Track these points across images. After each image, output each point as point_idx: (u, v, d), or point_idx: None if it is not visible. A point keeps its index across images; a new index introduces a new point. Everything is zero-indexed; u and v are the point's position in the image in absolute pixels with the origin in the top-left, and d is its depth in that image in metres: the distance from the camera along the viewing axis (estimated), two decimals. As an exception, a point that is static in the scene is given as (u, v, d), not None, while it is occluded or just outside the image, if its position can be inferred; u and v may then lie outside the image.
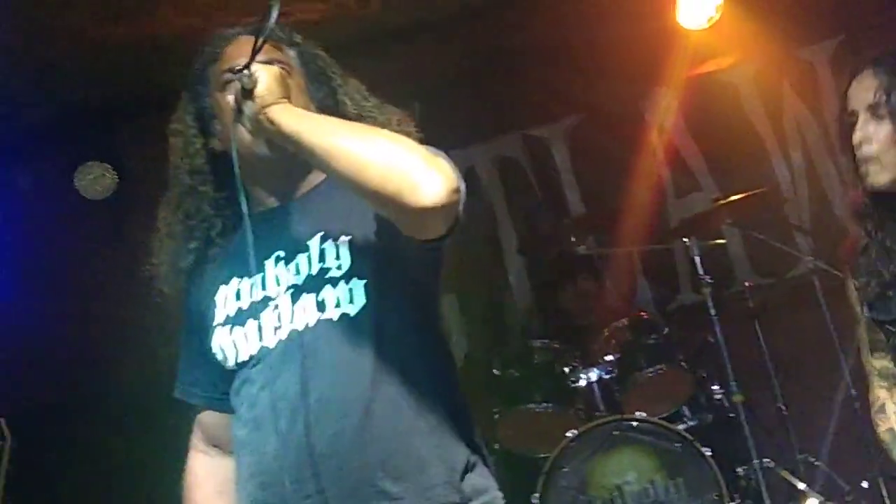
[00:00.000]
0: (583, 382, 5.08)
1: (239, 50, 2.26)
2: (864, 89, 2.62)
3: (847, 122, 2.66)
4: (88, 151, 5.98)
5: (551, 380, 5.12)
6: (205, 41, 2.44)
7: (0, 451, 2.89)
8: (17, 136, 5.81)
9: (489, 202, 6.30)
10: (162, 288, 2.47)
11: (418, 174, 2.00)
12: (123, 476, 5.53)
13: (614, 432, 4.73)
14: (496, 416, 5.09)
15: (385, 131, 2.15)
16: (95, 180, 5.92)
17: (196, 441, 2.54)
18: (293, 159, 2.24)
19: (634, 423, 4.72)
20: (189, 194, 2.42)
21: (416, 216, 2.03)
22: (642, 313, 5.34)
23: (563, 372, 5.11)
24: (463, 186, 2.11)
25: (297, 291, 2.23)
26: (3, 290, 5.50)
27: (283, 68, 2.28)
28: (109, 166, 5.92)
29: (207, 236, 2.42)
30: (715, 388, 5.08)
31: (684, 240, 5.12)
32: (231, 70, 2.25)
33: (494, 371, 5.26)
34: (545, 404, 5.04)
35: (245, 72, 2.15)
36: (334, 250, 2.23)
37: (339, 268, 2.21)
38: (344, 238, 2.23)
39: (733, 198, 5.07)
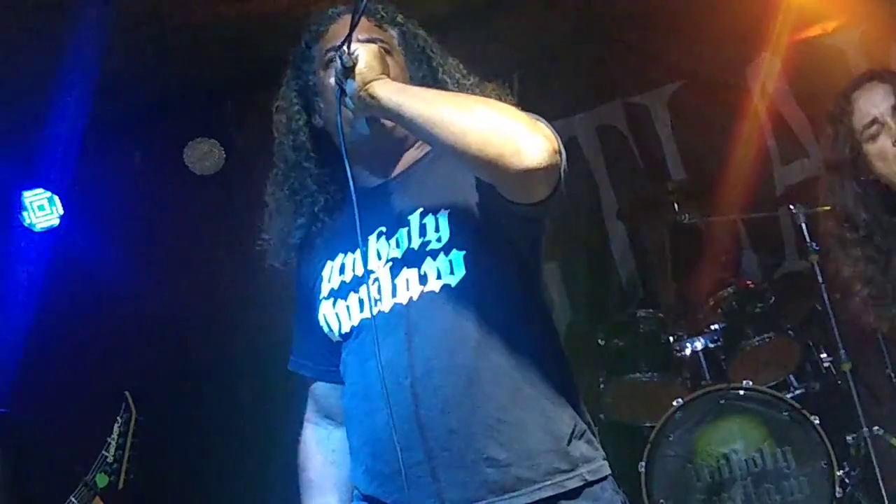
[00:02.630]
0: (688, 351, 5.06)
1: (342, 28, 2.30)
2: (880, 97, 2.66)
3: (866, 134, 2.69)
4: (197, 128, 6.09)
5: (656, 349, 5.12)
6: (310, 19, 2.49)
7: (127, 424, 2.99)
8: (129, 113, 5.94)
9: (590, 172, 6.27)
10: (273, 263, 2.54)
11: (519, 137, 2.04)
12: (236, 447, 5.67)
13: (721, 401, 4.71)
14: (601, 386, 5.10)
15: (484, 99, 2.19)
16: (204, 156, 6.04)
17: (309, 413, 2.61)
18: (392, 137, 2.32)
19: (741, 392, 4.69)
20: (294, 170, 2.49)
21: (519, 178, 2.06)
22: (748, 282, 5.28)
23: (669, 341, 5.10)
24: (563, 150, 2.13)
25: (396, 265, 2.29)
26: (117, 267, 5.65)
27: (383, 47, 2.32)
28: (217, 142, 6.03)
29: (312, 211, 2.48)
30: (823, 355, 5.01)
31: (790, 206, 5.05)
32: (332, 49, 2.29)
33: (599, 341, 5.28)
34: (651, 374, 5.05)
35: (344, 49, 2.20)
36: (434, 223, 2.27)
37: (438, 240, 2.26)
38: (443, 211, 2.27)
39: (841, 163, 4.97)
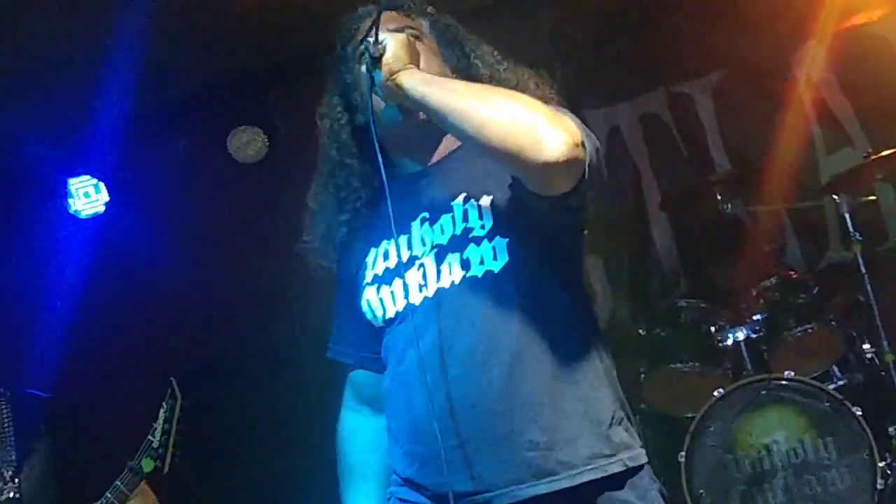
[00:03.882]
0: (730, 342, 5.03)
1: (372, 23, 2.32)
2: None
3: None
4: (240, 116, 6.13)
5: (698, 339, 5.09)
6: (341, 22, 2.51)
7: (172, 410, 3.02)
8: (173, 101, 5.99)
9: (633, 161, 6.25)
10: (318, 261, 2.57)
11: (539, 130, 2.05)
12: (277, 434, 5.72)
13: (762, 392, 4.67)
14: (642, 377, 5.09)
15: (505, 90, 2.20)
16: (247, 144, 6.07)
17: (348, 400, 2.64)
18: (427, 125, 2.32)
19: (783, 383, 4.65)
20: (337, 169, 2.52)
21: (539, 171, 2.08)
22: (791, 272, 5.24)
23: (710, 331, 5.07)
24: (590, 143, 2.16)
25: (441, 251, 2.31)
26: (161, 254, 5.71)
27: (412, 34, 2.35)
28: (260, 130, 6.06)
29: (356, 207, 2.51)
30: (866, 346, 4.97)
31: (834, 196, 5.02)
32: (360, 39, 2.32)
33: (640, 331, 5.26)
34: (692, 363, 5.02)
35: (371, 39, 2.22)
36: (476, 210, 2.29)
37: (482, 227, 2.28)
38: (486, 198, 2.29)
39: (885, 153, 4.93)
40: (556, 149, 2.03)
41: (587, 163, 2.13)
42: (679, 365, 5.03)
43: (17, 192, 5.80)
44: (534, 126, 2.05)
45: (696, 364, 5.01)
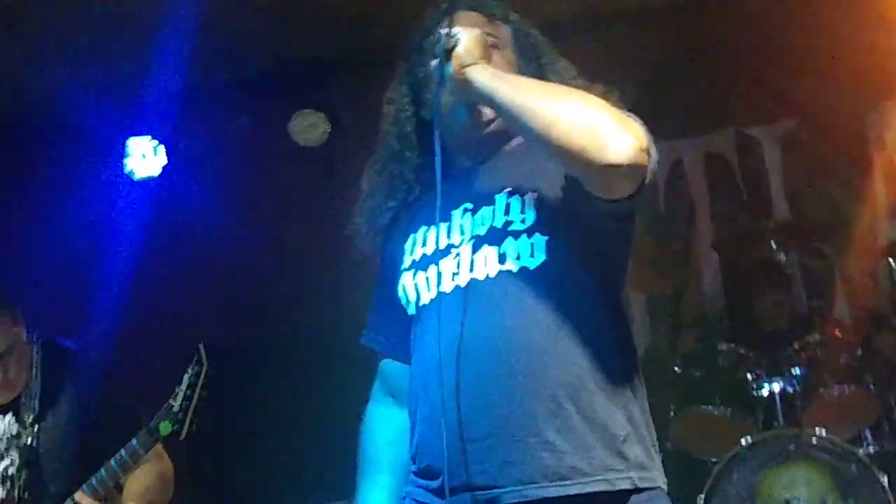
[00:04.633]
0: (765, 392, 4.98)
1: (454, 20, 2.29)
2: None
3: None
4: (306, 99, 6.15)
5: (733, 384, 5.06)
6: (426, 8, 2.50)
7: (197, 376, 3.02)
8: (241, 76, 6.04)
9: (691, 197, 6.20)
10: (361, 245, 2.56)
11: (605, 131, 2.02)
12: (301, 415, 5.73)
13: (791, 446, 4.63)
14: (672, 414, 5.05)
15: (575, 90, 2.17)
16: (309, 128, 6.09)
17: (376, 390, 2.62)
18: (491, 125, 2.32)
19: (814, 440, 4.60)
20: (395, 159, 2.50)
21: (602, 172, 2.05)
22: (836, 330, 5.19)
23: (746, 378, 5.03)
24: (654, 151, 2.12)
25: (479, 242, 2.28)
26: (212, 223, 5.74)
27: (492, 42, 2.33)
28: (324, 116, 6.08)
29: (405, 199, 2.49)
30: (902, 416, 4.92)
31: (890, 260, 4.96)
32: (436, 32, 2.30)
33: (675, 368, 5.24)
34: (723, 408, 4.98)
35: (443, 32, 2.20)
36: (520, 205, 2.27)
37: (522, 222, 2.25)
38: (531, 194, 2.27)
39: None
40: (621, 151, 2.01)
41: (648, 170, 2.11)
42: (710, 408, 4.99)
43: (75, 149, 5.85)
44: (600, 125, 2.03)
45: (728, 409, 4.97)
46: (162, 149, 5.94)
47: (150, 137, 5.93)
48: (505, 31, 2.43)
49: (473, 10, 2.38)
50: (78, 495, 3.06)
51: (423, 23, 2.46)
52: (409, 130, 2.48)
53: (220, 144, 6.01)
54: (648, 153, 2.09)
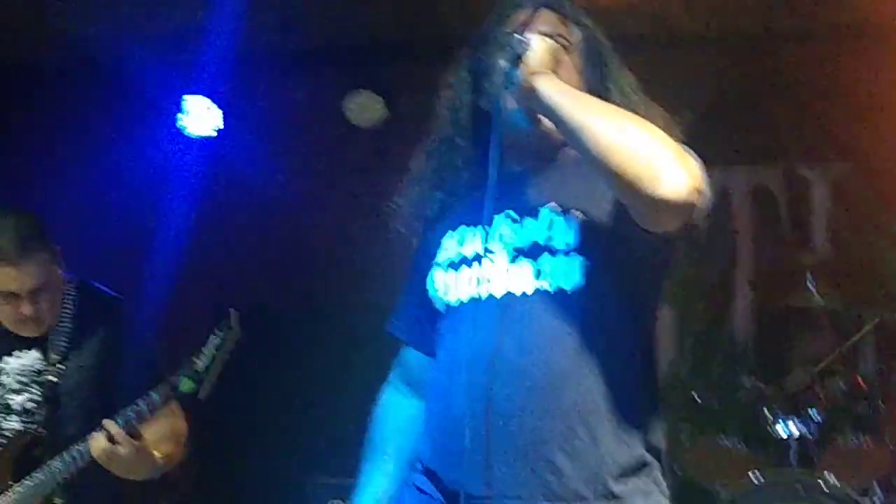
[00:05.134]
0: (781, 431, 4.95)
1: (526, 17, 2.30)
2: None
3: None
4: (363, 80, 6.17)
5: (750, 419, 5.04)
6: (497, 3, 2.50)
7: (224, 340, 3.03)
8: (303, 48, 6.07)
9: (734, 228, 6.17)
10: (398, 228, 2.56)
11: (661, 164, 2.01)
12: (315, 390, 5.76)
13: (800, 488, 4.59)
14: (684, 441, 5.04)
15: (640, 119, 2.14)
16: (364, 109, 6.11)
17: (393, 377, 2.63)
18: (549, 135, 2.29)
19: (823, 486, 4.57)
20: (446, 145, 2.49)
21: (652, 205, 2.03)
22: (860, 380, 5.14)
23: (765, 415, 5.00)
24: (707, 191, 2.11)
25: (517, 253, 2.27)
26: (259, 190, 5.79)
27: (561, 44, 2.32)
28: (381, 98, 6.10)
29: (452, 188, 2.49)
30: (915, 474, 4.87)
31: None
32: (510, 33, 2.30)
33: (695, 395, 5.22)
34: (737, 441, 4.98)
35: (519, 37, 2.19)
36: (563, 223, 2.25)
37: (563, 241, 2.24)
38: (577, 214, 2.25)
39: None
40: (675, 188, 2.00)
41: (699, 209, 2.10)
42: (724, 439, 4.98)
43: (132, 103, 5.90)
44: (659, 159, 2.01)
45: (742, 444, 4.97)
46: (218, 111, 5.99)
47: (206, 97, 5.98)
48: (576, 35, 2.41)
49: (549, 7, 2.36)
50: (107, 421, 3.07)
51: (496, 12, 2.45)
52: (464, 118, 2.47)
53: (274, 113, 6.05)
54: (702, 193, 2.08)
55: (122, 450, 3.06)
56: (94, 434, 3.09)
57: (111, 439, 3.05)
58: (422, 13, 5.55)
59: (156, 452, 3.21)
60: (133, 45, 5.54)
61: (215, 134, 6.00)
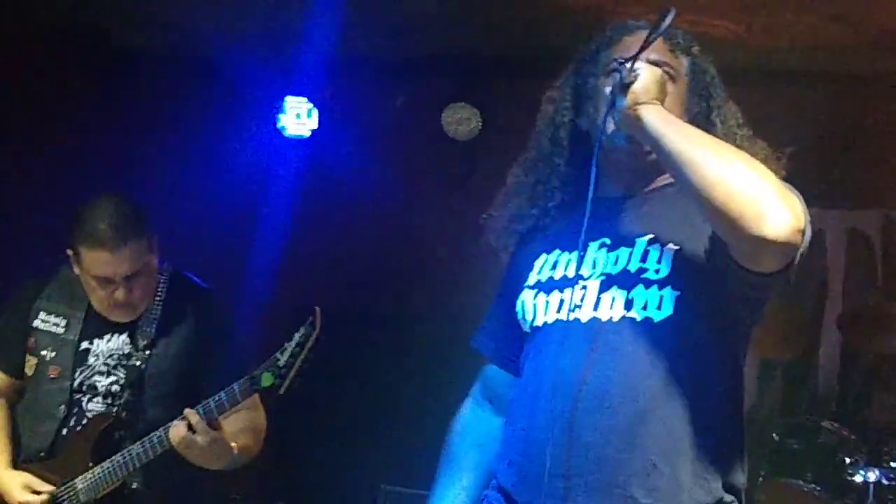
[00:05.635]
0: (859, 479, 4.86)
1: (635, 42, 2.28)
2: None
3: None
4: (462, 92, 6.19)
5: (829, 465, 4.95)
6: (606, 25, 2.49)
7: (307, 337, 3.05)
8: (404, 57, 6.10)
9: (825, 270, 6.07)
10: (490, 241, 2.57)
11: (766, 203, 1.98)
12: (393, 400, 5.77)
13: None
14: (760, 480, 4.97)
15: (745, 154, 2.12)
16: (461, 121, 6.13)
17: (475, 391, 2.63)
18: (647, 159, 2.29)
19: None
20: (543, 160, 2.49)
21: (753, 244, 2.01)
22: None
23: (844, 462, 4.92)
24: (809, 232, 2.07)
25: (608, 281, 2.26)
26: (351, 193, 5.84)
27: (667, 73, 2.30)
28: (478, 112, 6.11)
29: (546, 206, 2.48)
30: None
31: None
32: (618, 60, 2.28)
33: (774, 435, 5.15)
34: (814, 486, 4.88)
35: (628, 65, 2.18)
36: (658, 254, 2.24)
37: (657, 272, 2.22)
38: (672, 246, 2.23)
39: None
40: (778, 227, 1.97)
41: (799, 251, 2.07)
42: (801, 482, 4.90)
43: (231, 102, 6.00)
44: (763, 197, 1.98)
45: (819, 488, 4.87)
46: (315, 112, 6.05)
47: (306, 99, 6.05)
48: (684, 64, 2.40)
49: (650, 35, 2.36)
50: (188, 410, 3.11)
51: (605, 34, 2.45)
52: (563, 136, 2.46)
53: (371, 118, 6.10)
54: (804, 233, 2.05)
55: (200, 439, 3.09)
56: (175, 422, 3.12)
57: (191, 428, 3.09)
58: (524, 29, 5.55)
59: (233, 444, 3.23)
60: (236, 42, 5.63)
61: (309, 135, 6.07)
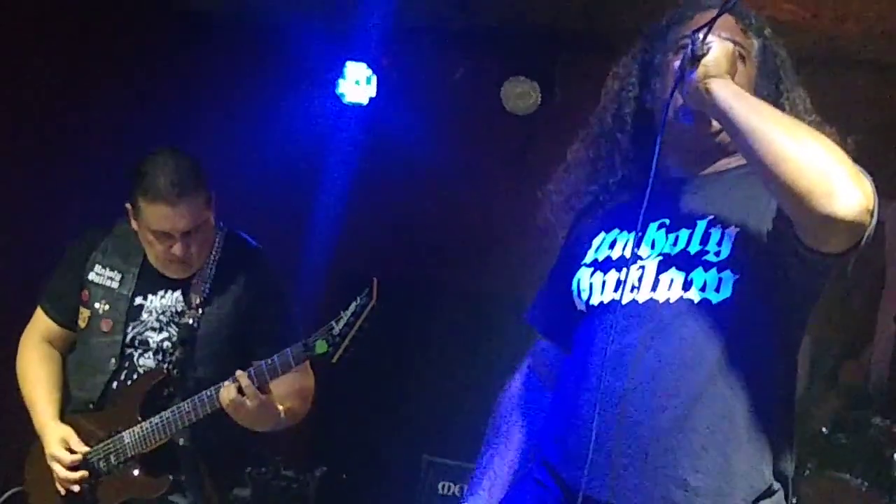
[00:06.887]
0: (905, 474, 4.83)
1: (706, 19, 2.22)
2: None
3: None
4: (522, 66, 6.15)
5: (876, 460, 4.93)
6: (678, 2, 2.45)
7: (363, 308, 3.05)
8: (466, 29, 6.08)
9: (885, 262, 5.99)
10: (547, 216, 2.54)
11: (836, 180, 1.95)
12: (442, 373, 5.79)
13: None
14: (806, 472, 4.94)
15: (816, 132, 2.08)
16: (521, 95, 6.09)
17: (524, 366, 2.62)
18: (713, 138, 2.26)
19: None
20: (605, 136, 2.46)
21: (821, 222, 1.97)
22: None
23: (893, 458, 4.88)
24: (877, 214, 2.03)
25: (667, 261, 2.24)
26: (405, 165, 5.84)
27: (739, 52, 2.26)
28: (538, 86, 6.07)
29: (606, 182, 2.45)
30: None
31: None
32: (688, 35, 2.24)
33: (823, 429, 5.12)
34: (862, 481, 4.84)
35: (700, 36, 2.15)
36: (719, 236, 2.21)
37: (717, 254, 2.19)
38: (733, 229, 2.20)
39: None
40: (848, 205, 1.93)
41: (867, 232, 2.02)
42: (849, 477, 4.87)
43: (292, 69, 6.00)
44: (833, 174, 1.95)
45: (866, 483, 4.83)
46: (375, 80, 6.05)
47: (366, 65, 6.05)
48: (754, 45, 2.36)
49: (732, 14, 2.30)
50: (239, 372, 3.12)
51: (676, 11, 2.41)
52: (627, 112, 2.43)
53: (431, 88, 6.09)
54: (873, 215, 2.00)
55: (249, 402, 3.10)
56: (226, 383, 3.14)
57: (241, 391, 3.10)
58: (588, 5, 5.50)
59: (280, 407, 3.25)
60: (298, 7, 5.64)
61: (367, 102, 6.07)
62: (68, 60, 5.45)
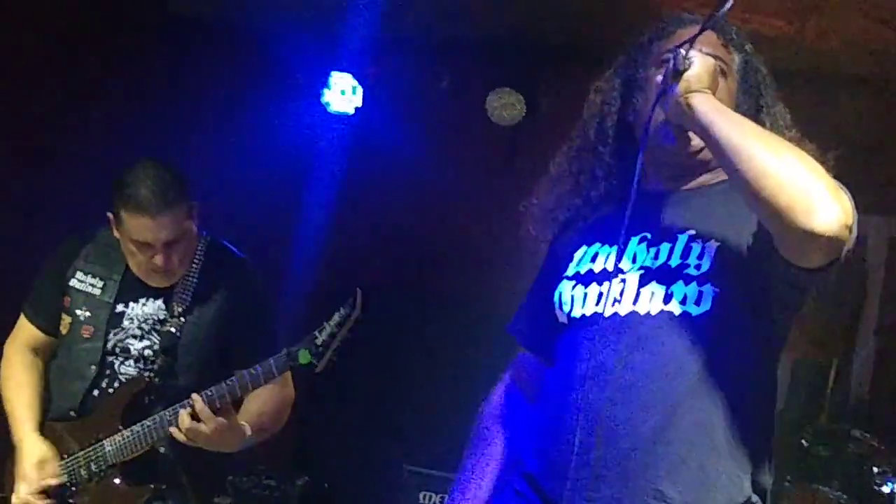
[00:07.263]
0: (886, 489, 4.84)
1: (689, 34, 2.23)
2: None
3: None
4: (507, 78, 6.17)
5: (856, 474, 4.94)
6: (661, 18, 2.47)
7: (347, 318, 3.06)
8: (449, 39, 6.10)
9: (865, 277, 6.02)
10: (530, 228, 2.55)
11: (816, 196, 1.96)
12: (423, 382, 5.79)
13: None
14: (786, 484, 4.95)
15: (796, 148, 2.10)
16: (505, 106, 6.12)
17: (507, 377, 2.63)
18: (694, 156, 2.27)
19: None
20: (588, 150, 2.47)
21: (800, 237, 1.99)
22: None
23: (872, 471, 4.89)
24: (855, 230, 2.05)
25: (648, 275, 2.25)
26: (391, 174, 5.85)
27: (720, 67, 2.27)
28: (522, 98, 6.09)
29: (588, 196, 2.46)
30: None
31: None
32: (671, 49, 2.25)
33: (803, 441, 5.13)
34: (840, 494, 4.85)
35: (682, 51, 2.16)
36: (700, 250, 2.22)
37: (697, 268, 2.20)
38: (713, 243, 2.21)
39: None
40: (827, 221, 1.96)
41: (845, 248, 2.05)
42: (827, 489, 4.87)
43: (277, 79, 6.01)
44: (813, 190, 1.97)
45: (845, 496, 4.84)
46: (360, 90, 6.07)
47: (351, 76, 6.06)
48: (736, 60, 2.38)
49: (714, 29, 2.31)
50: (194, 396, 3.11)
51: (658, 26, 2.43)
52: (609, 126, 2.44)
53: (416, 98, 6.10)
54: (851, 231, 2.03)
55: (205, 427, 3.09)
56: (181, 410, 3.12)
57: (195, 416, 3.09)
58: (573, 18, 5.53)
59: (246, 426, 3.24)
60: (285, 16, 5.65)
61: (353, 112, 6.08)
62: (67, 62, 5.43)
